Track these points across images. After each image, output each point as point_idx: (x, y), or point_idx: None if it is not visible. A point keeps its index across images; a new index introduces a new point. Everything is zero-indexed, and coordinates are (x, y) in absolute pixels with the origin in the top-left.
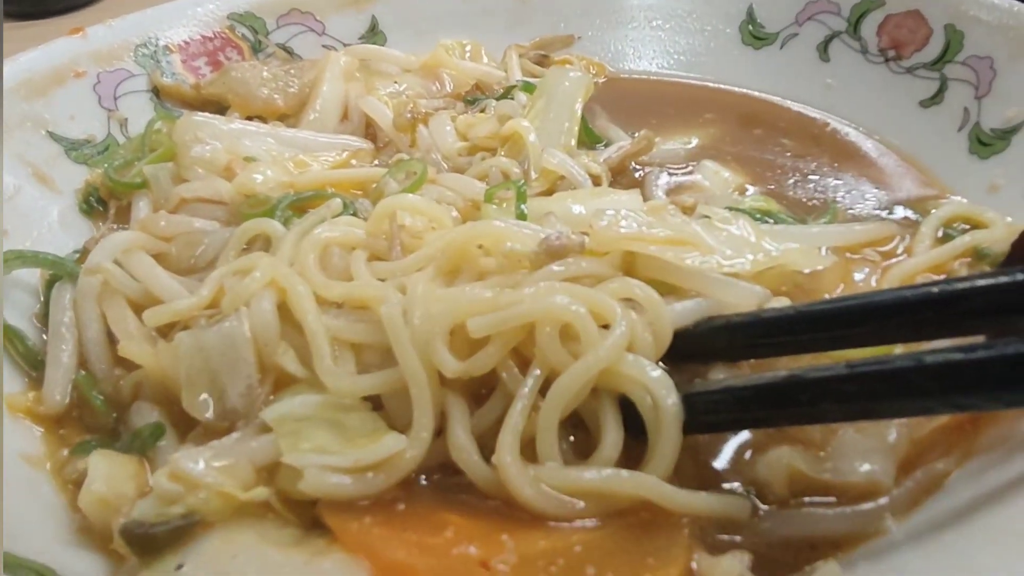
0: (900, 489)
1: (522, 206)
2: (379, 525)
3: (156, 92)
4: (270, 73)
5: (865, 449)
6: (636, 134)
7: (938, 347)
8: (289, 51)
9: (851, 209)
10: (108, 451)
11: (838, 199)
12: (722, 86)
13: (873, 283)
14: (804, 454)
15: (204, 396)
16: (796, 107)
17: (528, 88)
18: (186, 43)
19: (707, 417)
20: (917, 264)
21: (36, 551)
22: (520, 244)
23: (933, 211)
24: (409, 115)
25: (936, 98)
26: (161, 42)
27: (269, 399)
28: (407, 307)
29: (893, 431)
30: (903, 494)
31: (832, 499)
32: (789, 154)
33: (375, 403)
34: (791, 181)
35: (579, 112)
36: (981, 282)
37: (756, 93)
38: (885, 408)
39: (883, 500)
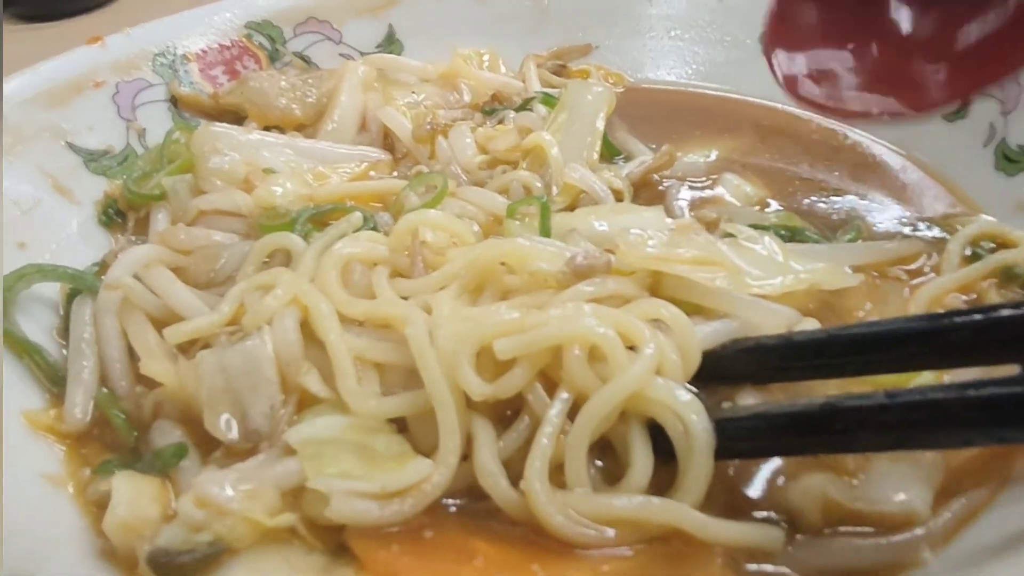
0: (937, 519)
1: (546, 219)
2: (407, 554)
3: (174, 102)
4: (288, 83)
5: (900, 477)
6: (655, 147)
7: (968, 376)
8: (306, 60)
9: (875, 226)
10: (131, 472)
11: (861, 214)
12: (742, 97)
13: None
14: (837, 482)
15: (226, 417)
16: (817, 119)
17: (548, 101)
18: (204, 52)
19: (739, 444)
20: (945, 284)
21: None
22: (546, 263)
23: (960, 229)
24: (428, 126)
25: (960, 112)
26: (179, 51)
27: (292, 419)
28: (432, 328)
29: (928, 458)
30: (940, 524)
31: (867, 529)
32: (810, 167)
33: (399, 424)
34: (812, 195)
35: (601, 127)
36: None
37: (776, 104)
38: (925, 440)
39: (919, 530)
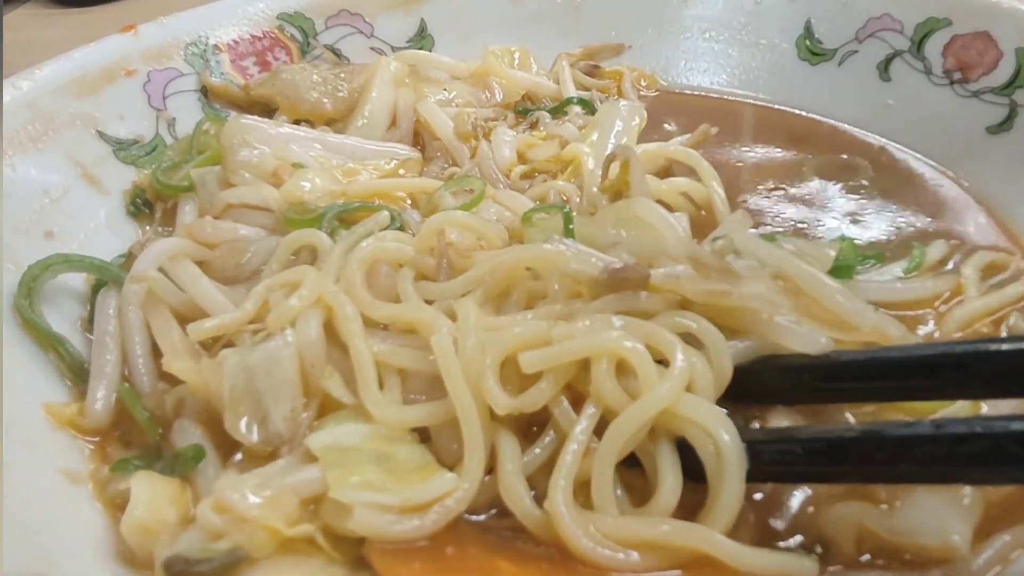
0: (977, 557)
1: (569, 226)
2: (429, 572)
3: (205, 92)
4: (320, 76)
5: (938, 510)
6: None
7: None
8: (337, 52)
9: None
10: (150, 473)
11: (911, 238)
12: (776, 106)
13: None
14: (872, 511)
15: (247, 419)
16: (852, 130)
17: (584, 103)
18: (235, 42)
19: (772, 468)
20: (978, 308)
21: None
22: (578, 267)
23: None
24: (471, 126)
25: (1005, 125)
26: (211, 41)
27: (313, 424)
28: (457, 336)
29: (967, 491)
30: (980, 562)
31: (902, 562)
32: (849, 184)
33: (422, 433)
34: (845, 212)
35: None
36: None
37: (811, 115)
38: (971, 475)
39: (959, 567)
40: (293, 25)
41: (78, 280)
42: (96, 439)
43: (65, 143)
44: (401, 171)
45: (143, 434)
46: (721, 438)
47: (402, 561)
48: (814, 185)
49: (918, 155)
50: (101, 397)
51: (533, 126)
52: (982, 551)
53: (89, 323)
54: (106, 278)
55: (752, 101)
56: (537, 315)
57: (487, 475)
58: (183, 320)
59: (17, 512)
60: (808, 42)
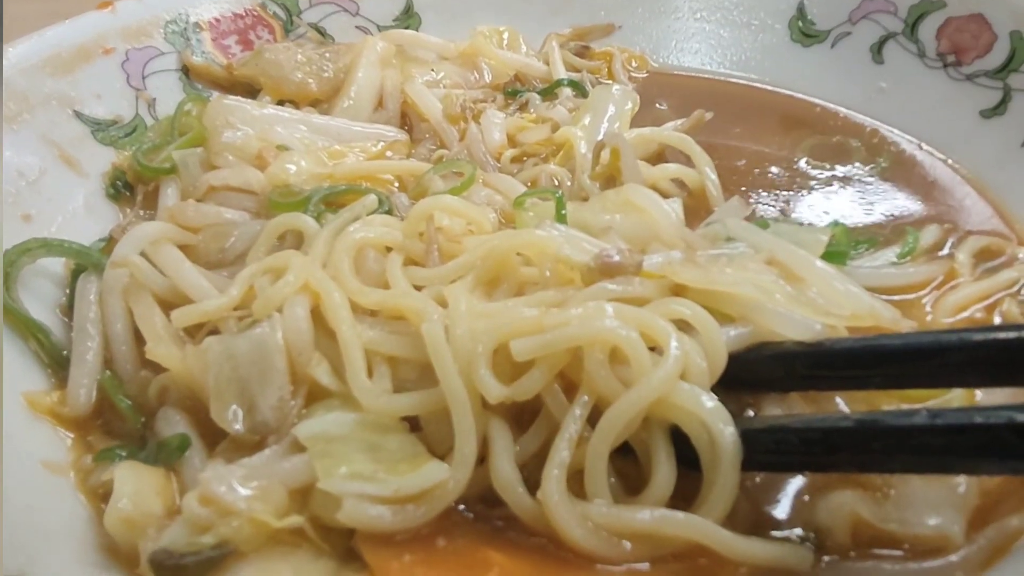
0: (972, 546)
1: (562, 211)
2: (420, 564)
3: (186, 71)
4: (304, 56)
5: (933, 499)
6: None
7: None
8: (321, 31)
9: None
10: (134, 463)
11: (904, 224)
12: (767, 87)
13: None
14: (867, 500)
15: (233, 407)
16: (844, 112)
17: (574, 84)
18: (217, 20)
19: (767, 457)
20: (972, 294)
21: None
22: (571, 253)
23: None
24: (460, 107)
25: (999, 109)
26: (191, 19)
27: (302, 412)
28: (448, 324)
29: (962, 481)
30: (975, 552)
31: (897, 552)
32: (842, 167)
33: (413, 422)
34: (837, 196)
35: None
36: None
37: (802, 96)
38: (969, 465)
39: (953, 557)
40: (276, 3)
41: (57, 265)
42: (78, 428)
43: (40, 123)
44: (388, 153)
45: (126, 423)
46: (716, 427)
47: (393, 553)
48: (806, 168)
49: (911, 138)
50: (84, 385)
51: (523, 107)
52: (976, 540)
53: (69, 309)
54: (86, 263)
55: (744, 82)
56: (529, 302)
57: (479, 464)
58: (166, 306)
59: None
60: (801, 23)
